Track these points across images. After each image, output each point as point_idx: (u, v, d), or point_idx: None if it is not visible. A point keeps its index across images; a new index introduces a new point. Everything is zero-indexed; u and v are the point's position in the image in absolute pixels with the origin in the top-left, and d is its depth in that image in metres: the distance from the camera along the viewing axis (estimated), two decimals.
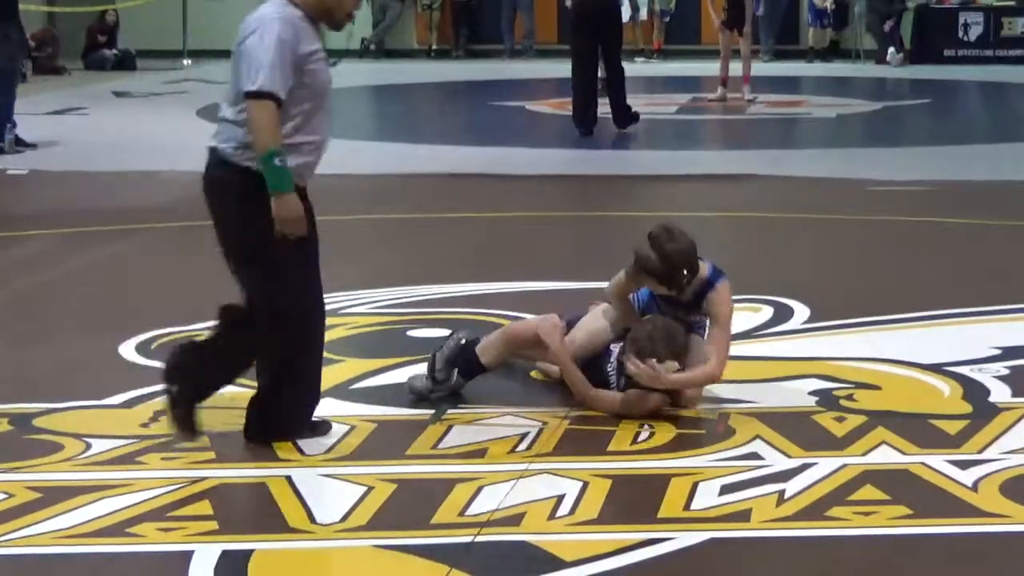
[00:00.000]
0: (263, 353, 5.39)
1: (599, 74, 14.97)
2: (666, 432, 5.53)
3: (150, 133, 15.64)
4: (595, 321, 6.02)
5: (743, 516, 4.70)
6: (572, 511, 4.74)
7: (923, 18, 24.43)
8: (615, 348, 5.90)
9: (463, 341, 5.99)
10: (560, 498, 4.83)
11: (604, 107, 14.85)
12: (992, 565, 4.43)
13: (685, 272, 5.69)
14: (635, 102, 15.33)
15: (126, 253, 9.33)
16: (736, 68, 18.13)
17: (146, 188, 11.82)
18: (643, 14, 24.51)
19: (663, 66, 23.57)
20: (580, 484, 4.96)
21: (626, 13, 23.00)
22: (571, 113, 14.99)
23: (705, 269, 5.83)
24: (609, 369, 5.87)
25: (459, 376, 5.93)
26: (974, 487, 4.97)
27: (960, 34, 24.24)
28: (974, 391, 6.07)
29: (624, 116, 15.04)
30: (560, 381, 6.01)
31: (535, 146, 14.68)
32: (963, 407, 5.88)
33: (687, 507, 4.79)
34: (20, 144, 13.57)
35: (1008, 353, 6.55)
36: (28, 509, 4.75)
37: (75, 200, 11.38)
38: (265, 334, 5.32)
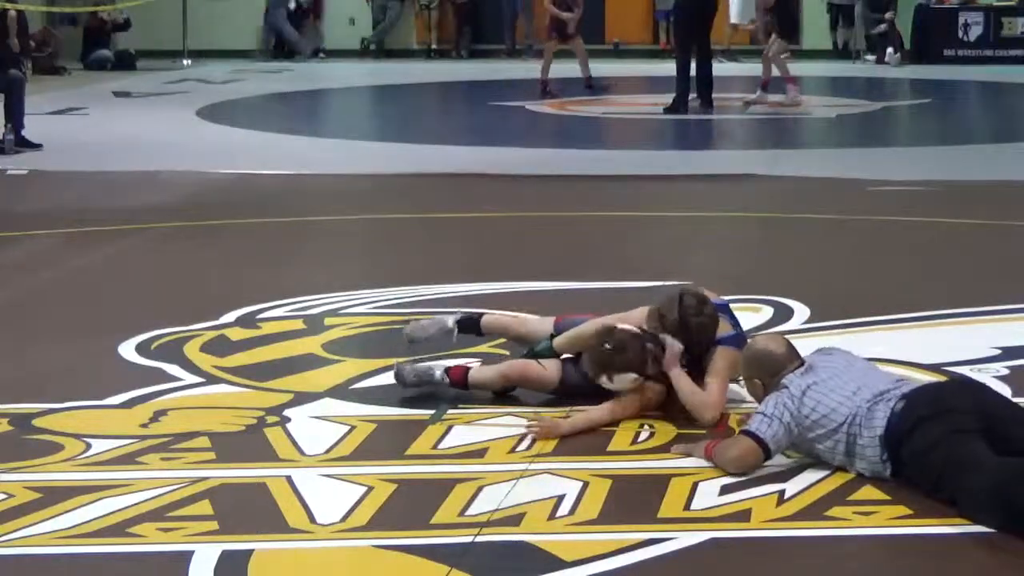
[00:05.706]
0: None
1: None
2: (666, 432, 5.53)
3: (150, 133, 15.64)
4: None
5: (743, 516, 4.70)
6: (572, 511, 4.73)
7: (923, 18, 24.41)
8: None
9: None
10: (560, 498, 4.83)
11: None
12: (991, 565, 4.43)
13: (697, 342, 5.71)
14: (635, 101, 15.32)
15: (126, 253, 9.32)
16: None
17: (146, 188, 11.82)
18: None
19: (665, 65, 23.52)
20: (580, 484, 4.95)
21: (735, 14, 23.01)
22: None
23: (725, 330, 5.80)
24: None
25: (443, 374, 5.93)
26: None
27: (960, 34, 24.23)
28: None
29: (707, 98, 17.25)
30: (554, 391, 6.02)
31: (535, 146, 14.69)
32: None
33: (687, 507, 4.78)
34: (21, 144, 13.58)
35: (1008, 353, 6.54)
36: (28, 509, 4.75)
37: (75, 200, 11.37)
38: None
